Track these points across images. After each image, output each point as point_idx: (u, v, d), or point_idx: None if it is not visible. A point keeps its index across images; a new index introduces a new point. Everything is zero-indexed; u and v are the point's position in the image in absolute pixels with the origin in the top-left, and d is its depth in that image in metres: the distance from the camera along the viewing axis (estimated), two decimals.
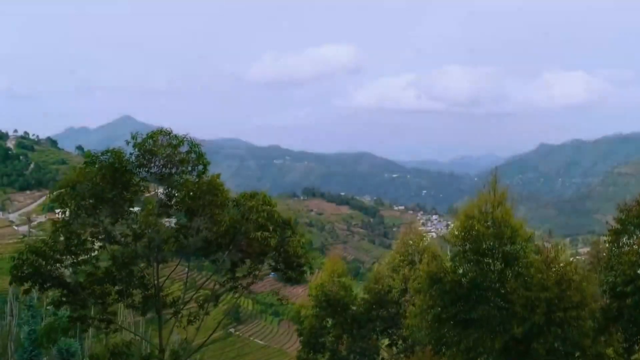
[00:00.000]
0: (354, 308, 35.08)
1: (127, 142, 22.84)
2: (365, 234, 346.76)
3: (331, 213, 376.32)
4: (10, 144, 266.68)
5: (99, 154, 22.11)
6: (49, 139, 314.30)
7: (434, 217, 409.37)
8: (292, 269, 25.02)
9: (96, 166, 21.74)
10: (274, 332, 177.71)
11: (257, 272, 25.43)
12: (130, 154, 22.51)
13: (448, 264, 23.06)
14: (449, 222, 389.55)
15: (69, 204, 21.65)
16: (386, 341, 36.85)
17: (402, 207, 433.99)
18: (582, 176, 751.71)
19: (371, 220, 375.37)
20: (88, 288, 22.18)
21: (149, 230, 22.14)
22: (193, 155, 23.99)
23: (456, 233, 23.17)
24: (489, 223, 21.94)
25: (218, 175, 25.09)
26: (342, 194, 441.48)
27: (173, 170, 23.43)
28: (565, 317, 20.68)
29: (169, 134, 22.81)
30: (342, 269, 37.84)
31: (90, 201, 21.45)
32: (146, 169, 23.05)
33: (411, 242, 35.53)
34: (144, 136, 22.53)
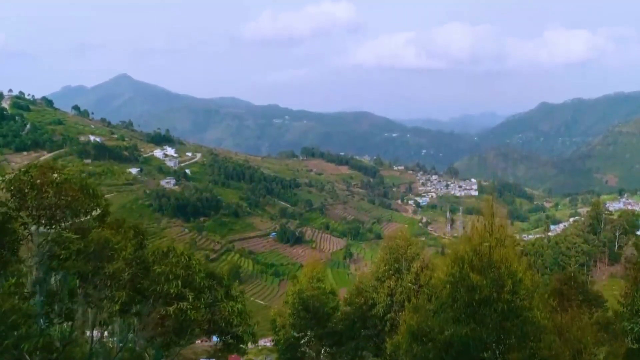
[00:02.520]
0: (335, 321, 31.46)
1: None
2: (365, 194, 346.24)
3: (331, 173, 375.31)
4: (5, 104, 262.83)
5: None
6: (44, 98, 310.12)
7: (434, 177, 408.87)
8: (228, 337, 20.35)
9: None
10: (275, 292, 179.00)
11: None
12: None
13: (432, 319, 18.56)
14: (449, 182, 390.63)
15: None
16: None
17: (401, 167, 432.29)
18: (583, 135, 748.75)
19: (371, 180, 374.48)
20: None
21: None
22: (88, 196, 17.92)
23: (444, 279, 18.51)
24: (484, 266, 17.58)
25: (120, 224, 18.92)
26: (342, 153, 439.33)
27: (62, 214, 17.24)
28: None
29: (51, 167, 17.76)
30: (322, 273, 33.83)
31: None
32: (27, 213, 17.11)
33: (398, 247, 30.70)
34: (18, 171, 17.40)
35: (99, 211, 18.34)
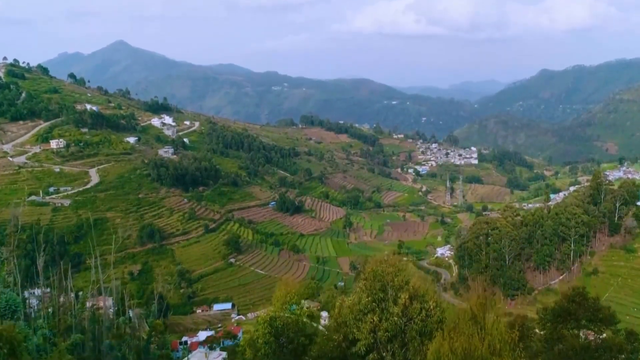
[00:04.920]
0: (313, 356, 27.59)
1: None
2: (365, 162, 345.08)
3: (330, 141, 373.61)
4: (0, 72, 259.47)
5: None
6: (40, 66, 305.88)
7: (434, 145, 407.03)
8: None
9: None
10: (274, 261, 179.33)
11: None
12: None
13: None
14: (449, 151, 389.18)
15: None
16: None
17: (401, 135, 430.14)
18: (583, 102, 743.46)
19: (370, 148, 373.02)
20: None
21: None
22: None
23: None
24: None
25: None
26: (341, 122, 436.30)
27: None
28: None
29: None
30: (298, 296, 29.79)
31: None
32: None
33: (384, 273, 26.21)
34: None
35: None
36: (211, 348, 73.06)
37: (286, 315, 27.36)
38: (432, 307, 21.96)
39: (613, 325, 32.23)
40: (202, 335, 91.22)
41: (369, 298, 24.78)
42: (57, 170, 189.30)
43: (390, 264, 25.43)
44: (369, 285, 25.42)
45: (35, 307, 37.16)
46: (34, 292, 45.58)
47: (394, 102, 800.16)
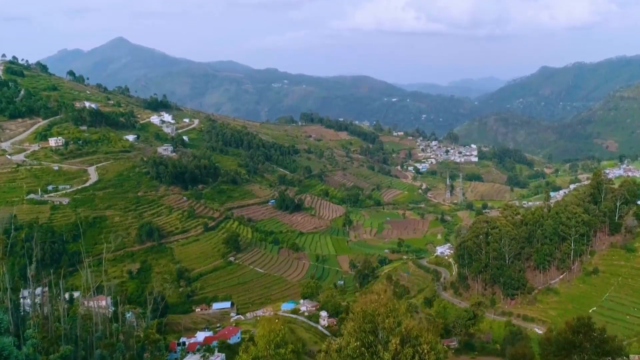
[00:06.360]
0: None
1: None
2: (365, 160, 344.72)
3: (330, 139, 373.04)
4: None
5: None
6: (39, 63, 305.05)
7: (434, 142, 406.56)
8: None
9: None
10: (274, 260, 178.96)
11: None
12: None
13: None
14: (449, 148, 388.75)
15: None
16: None
17: (401, 133, 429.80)
18: (584, 100, 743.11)
19: (370, 146, 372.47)
20: None
21: None
22: None
23: None
24: None
25: None
26: (341, 119, 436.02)
27: None
28: None
29: None
30: (282, 334, 27.15)
31: None
32: None
33: (375, 314, 23.61)
34: None
35: None
36: (205, 358, 72.70)
37: (270, 353, 25.58)
38: (426, 351, 20.57)
39: (621, 357, 30.42)
40: (200, 335, 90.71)
41: (358, 342, 22.52)
42: (56, 168, 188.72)
43: (382, 303, 23.05)
44: (358, 327, 22.99)
45: (29, 312, 36.66)
46: (30, 292, 45.10)
47: (393, 99, 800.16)
